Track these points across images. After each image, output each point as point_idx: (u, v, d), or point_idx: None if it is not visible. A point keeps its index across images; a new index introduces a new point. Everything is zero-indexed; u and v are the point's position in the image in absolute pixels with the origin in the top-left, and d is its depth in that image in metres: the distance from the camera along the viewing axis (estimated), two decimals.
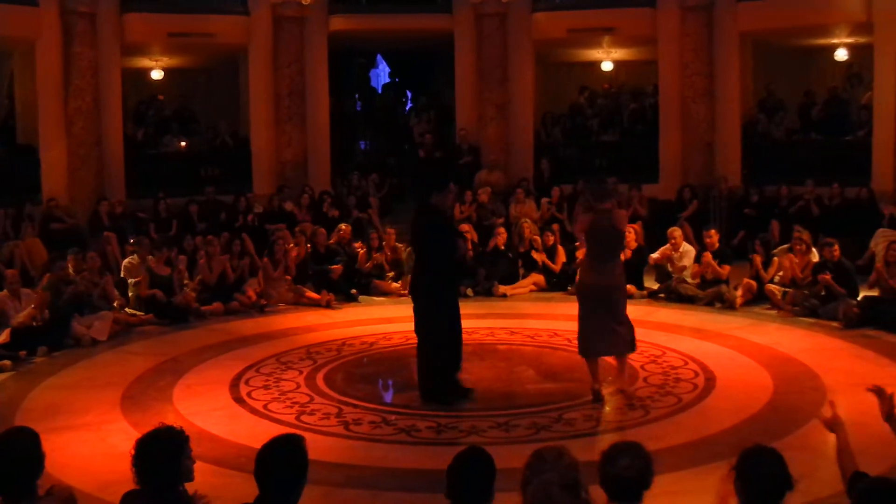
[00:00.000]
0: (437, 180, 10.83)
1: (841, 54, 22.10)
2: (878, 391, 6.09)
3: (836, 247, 14.64)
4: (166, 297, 15.44)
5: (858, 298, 14.41)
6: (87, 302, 14.48)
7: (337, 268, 16.91)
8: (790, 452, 8.40)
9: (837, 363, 11.89)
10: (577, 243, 17.42)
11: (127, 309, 15.50)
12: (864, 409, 6.59)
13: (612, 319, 10.60)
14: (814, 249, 15.52)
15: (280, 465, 4.89)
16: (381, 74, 31.67)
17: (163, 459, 5.03)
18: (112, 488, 7.03)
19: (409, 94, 28.45)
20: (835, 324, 13.95)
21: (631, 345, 10.77)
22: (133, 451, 5.07)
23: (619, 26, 22.47)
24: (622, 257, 16.54)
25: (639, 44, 23.46)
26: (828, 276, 14.39)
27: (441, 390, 10.54)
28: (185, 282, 16.12)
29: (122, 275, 16.28)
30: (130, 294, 15.83)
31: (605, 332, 10.58)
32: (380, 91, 29.40)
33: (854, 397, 6.84)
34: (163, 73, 23.25)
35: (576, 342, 13.08)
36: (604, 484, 4.71)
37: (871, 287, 14.61)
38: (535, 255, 17.58)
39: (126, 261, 16.52)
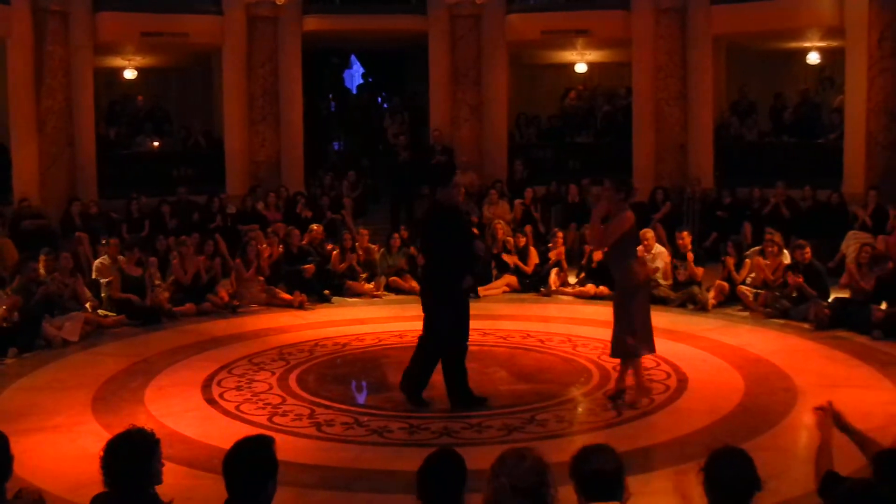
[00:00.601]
0: (441, 176, 10.69)
1: (813, 58, 22.25)
2: (820, 410, 6.07)
3: (808, 249, 14.71)
4: (139, 299, 15.36)
5: (829, 300, 14.49)
6: (58, 303, 14.39)
7: (309, 267, 16.86)
8: (761, 453, 8.47)
9: (808, 364, 11.95)
10: (549, 244, 17.51)
11: (99, 310, 15.41)
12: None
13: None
14: (785, 251, 15.59)
15: (247, 466, 4.85)
16: (355, 75, 31.66)
17: (133, 462, 4.99)
18: (82, 490, 6.99)
19: (384, 95, 28.41)
20: (806, 325, 14.02)
21: None
22: (102, 454, 5.03)
23: (593, 28, 22.55)
24: (595, 258, 16.79)
25: (612, 46, 23.52)
26: (799, 278, 14.46)
27: (418, 393, 10.52)
28: (157, 282, 16.05)
29: (93, 275, 16.21)
30: (103, 295, 15.75)
31: (650, 327, 10.65)
32: (354, 92, 29.37)
33: (824, 398, 6.86)
34: (136, 72, 23.16)
35: (549, 344, 13.19)
36: (581, 483, 4.68)
37: (842, 288, 14.70)
38: (506, 257, 17.60)
39: (97, 261, 16.47)
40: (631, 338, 10.39)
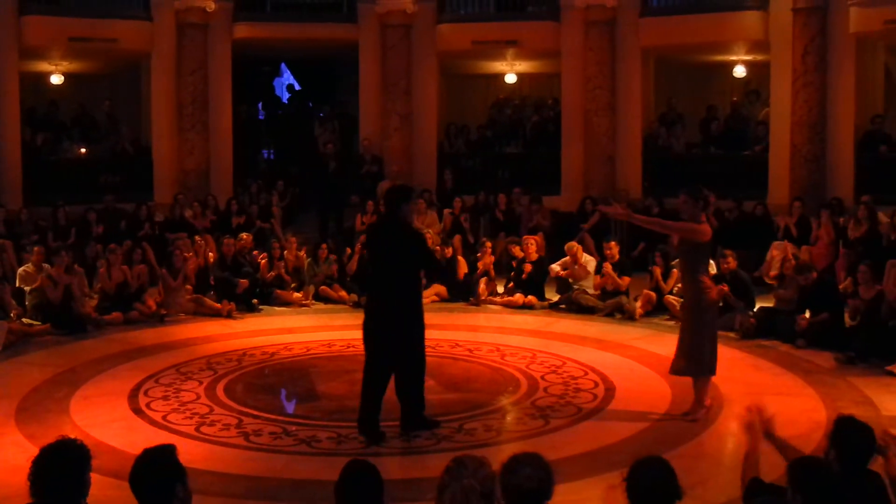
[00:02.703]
0: (404, 191, 10.31)
1: (739, 71, 22.56)
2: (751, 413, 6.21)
3: (731, 258, 14.89)
4: (61, 299, 15.18)
5: (755, 310, 14.70)
6: None
7: (243, 282, 16.74)
8: (687, 461, 8.61)
9: (734, 373, 12.06)
10: (478, 254, 17.52)
11: (23, 318, 15.19)
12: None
13: None
14: (712, 261, 15.74)
15: (152, 477, 4.87)
16: (286, 83, 31.53)
17: (65, 474, 4.94)
18: (5, 503, 6.91)
19: (314, 104, 28.31)
20: (731, 334, 14.15)
21: None
22: (32, 465, 4.97)
23: (523, 39, 22.65)
24: (526, 270, 16.85)
25: (542, 57, 23.66)
26: (725, 288, 14.63)
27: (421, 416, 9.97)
28: (85, 291, 15.87)
29: (17, 284, 15.96)
30: (27, 303, 15.53)
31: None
32: (284, 100, 29.24)
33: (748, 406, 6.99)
34: (62, 77, 22.87)
35: (478, 353, 13.23)
36: (505, 495, 4.74)
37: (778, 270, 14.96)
38: None
39: (21, 269, 16.23)
40: (707, 355, 10.30)
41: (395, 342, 9.70)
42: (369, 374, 9.75)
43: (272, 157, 26.47)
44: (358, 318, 15.33)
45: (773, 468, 5.96)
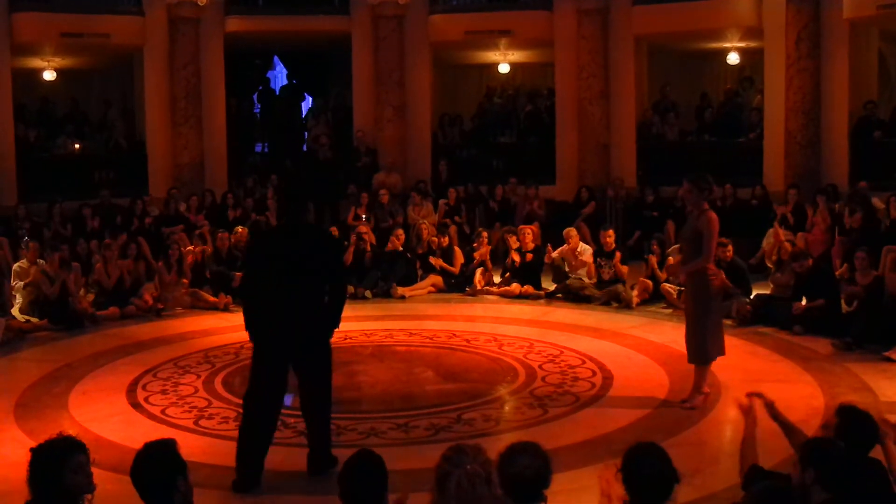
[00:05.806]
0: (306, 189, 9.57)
1: (733, 58, 22.53)
2: (760, 397, 6.30)
3: (730, 246, 14.88)
4: (56, 294, 15.15)
5: (751, 297, 14.71)
6: None
7: (239, 275, 16.71)
8: (686, 448, 8.62)
9: (731, 360, 12.02)
10: (475, 244, 17.49)
11: (18, 312, 15.14)
12: (757, 405, 6.74)
13: None
14: None
15: (152, 471, 4.91)
16: (279, 76, 31.48)
17: (51, 470, 4.95)
18: (5, 500, 6.92)
19: (307, 97, 28.27)
20: (728, 321, 14.12)
21: None
22: (29, 467, 4.98)
23: (516, 29, 22.61)
24: (518, 259, 16.84)
25: (535, 46, 23.61)
26: (721, 275, 14.62)
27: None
28: (80, 286, 15.84)
29: (12, 280, 15.92)
30: (21, 299, 15.49)
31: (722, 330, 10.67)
32: (277, 93, 29.19)
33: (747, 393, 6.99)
34: (55, 74, 22.82)
35: (475, 343, 13.22)
36: (503, 484, 4.74)
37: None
38: (432, 260, 17.52)
39: (16, 265, 16.17)
40: (709, 343, 10.31)
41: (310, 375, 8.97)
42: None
43: (266, 150, 26.40)
44: (355, 308, 15.45)
45: (770, 455, 5.97)
